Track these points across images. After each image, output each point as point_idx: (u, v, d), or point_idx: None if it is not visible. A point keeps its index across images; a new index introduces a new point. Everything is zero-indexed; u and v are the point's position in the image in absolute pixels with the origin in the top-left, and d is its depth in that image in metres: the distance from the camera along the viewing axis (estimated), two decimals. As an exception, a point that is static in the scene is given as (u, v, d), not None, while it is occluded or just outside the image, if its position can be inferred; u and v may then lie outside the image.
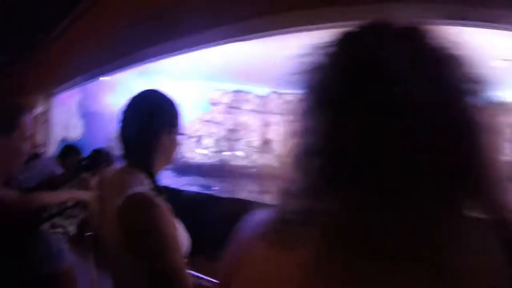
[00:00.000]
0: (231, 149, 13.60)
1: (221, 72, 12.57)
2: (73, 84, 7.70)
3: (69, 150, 3.44)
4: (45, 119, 8.39)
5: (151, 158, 1.40)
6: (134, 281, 1.25)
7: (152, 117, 1.41)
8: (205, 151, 13.34)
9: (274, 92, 14.43)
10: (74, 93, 9.07)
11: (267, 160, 12.79)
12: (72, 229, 2.90)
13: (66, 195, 2.54)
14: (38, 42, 7.75)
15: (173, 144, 1.50)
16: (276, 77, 13.77)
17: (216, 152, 13.38)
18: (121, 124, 1.47)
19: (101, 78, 7.64)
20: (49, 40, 7.61)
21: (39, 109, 8.31)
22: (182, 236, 1.36)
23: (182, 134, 1.55)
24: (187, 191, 6.20)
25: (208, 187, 7.68)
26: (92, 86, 8.38)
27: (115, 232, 1.22)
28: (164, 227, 1.22)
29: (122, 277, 1.31)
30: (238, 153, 12.92)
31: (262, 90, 14.73)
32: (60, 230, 2.80)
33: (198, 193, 6.35)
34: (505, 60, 9.62)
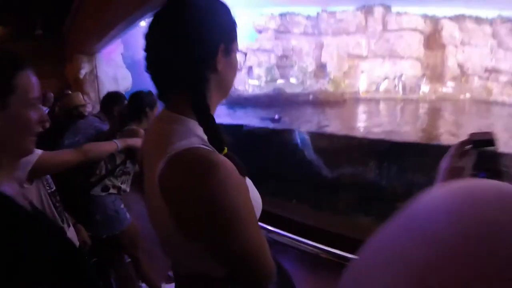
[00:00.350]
0: (284, 76, 13.06)
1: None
2: (114, 35, 7.44)
3: (112, 98, 3.08)
4: (93, 76, 8.44)
5: (202, 92, 0.94)
6: (191, 262, 0.91)
7: (201, 30, 0.94)
8: (257, 82, 12.90)
9: (325, 11, 13.41)
10: (118, 45, 8.85)
11: (323, 85, 12.19)
12: (126, 186, 2.64)
13: (116, 144, 2.28)
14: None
15: (231, 67, 1.01)
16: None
17: (269, 81, 12.91)
18: (151, 49, 0.98)
19: (140, 23, 7.31)
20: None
21: (85, 69, 8.36)
22: (255, 198, 0.95)
23: (239, 51, 1.04)
24: (247, 125, 5.89)
25: (267, 119, 7.34)
26: (133, 33, 8.14)
27: (160, 205, 0.84)
28: (230, 195, 0.81)
29: (176, 255, 0.95)
30: (292, 80, 12.37)
31: (311, 10, 13.73)
32: (114, 191, 2.57)
33: (259, 127, 6.02)
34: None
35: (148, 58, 0.98)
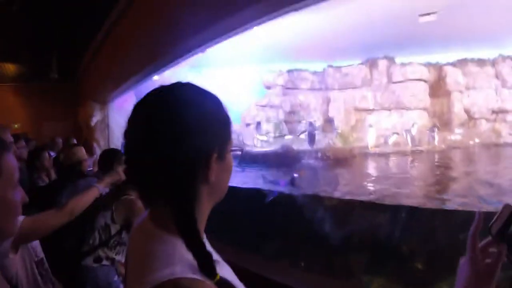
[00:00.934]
0: (292, 132, 13.19)
1: (273, 53, 12.19)
2: (127, 87, 7.72)
3: (110, 156, 2.88)
4: (104, 125, 8.60)
5: (190, 212, 0.81)
6: None
7: (190, 135, 0.80)
8: (265, 137, 13.04)
9: (331, 66, 13.75)
10: (131, 95, 9.18)
11: (331, 139, 12.24)
12: (121, 257, 2.51)
13: (97, 187, 2.15)
14: (84, 51, 7.96)
15: (226, 172, 0.90)
16: (331, 51, 13.12)
17: (277, 136, 13.04)
18: (131, 145, 0.86)
19: (154, 77, 7.60)
20: (95, 47, 7.66)
21: (97, 116, 8.53)
22: None
23: (234, 150, 0.93)
24: (262, 189, 5.75)
25: (283, 181, 7.11)
26: (145, 86, 8.39)
27: None
28: None
29: None
30: (301, 136, 12.47)
31: (318, 66, 14.11)
32: (107, 262, 2.47)
33: (274, 192, 5.84)
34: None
35: (127, 153, 0.87)
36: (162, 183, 0.80)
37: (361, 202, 5.15)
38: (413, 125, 11.92)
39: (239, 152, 0.94)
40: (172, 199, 0.80)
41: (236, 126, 12.85)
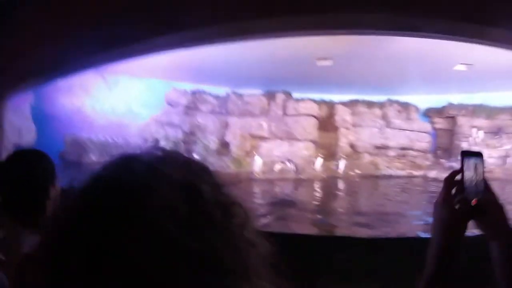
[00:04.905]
0: (188, 152, 13.81)
1: (179, 72, 12.73)
2: (27, 86, 7.73)
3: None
4: None
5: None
6: None
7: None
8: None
9: (234, 93, 14.70)
10: (28, 95, 9.08)
11: (225, 162, 13.21)
12: None
13: None
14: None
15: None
16: (235, 78, 14.04)
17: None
18: None
19: (57, 80, 7.72)
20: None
21: None
22: None
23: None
24: None
25: None
26: (47, 88, 8.40)
27: None
28: None
29: None
30: (196, 156, 13.23)
31: (221, 90, 14.95)
32: None
33: None
34: (464, 64, 10.45)
35: None
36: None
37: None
38: (295, 156, 13.68)
39: None
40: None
41: (134, 139, 13.33)
